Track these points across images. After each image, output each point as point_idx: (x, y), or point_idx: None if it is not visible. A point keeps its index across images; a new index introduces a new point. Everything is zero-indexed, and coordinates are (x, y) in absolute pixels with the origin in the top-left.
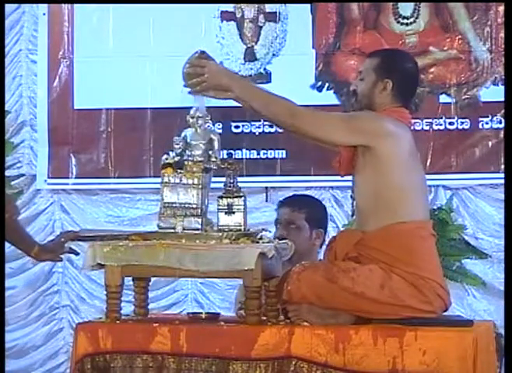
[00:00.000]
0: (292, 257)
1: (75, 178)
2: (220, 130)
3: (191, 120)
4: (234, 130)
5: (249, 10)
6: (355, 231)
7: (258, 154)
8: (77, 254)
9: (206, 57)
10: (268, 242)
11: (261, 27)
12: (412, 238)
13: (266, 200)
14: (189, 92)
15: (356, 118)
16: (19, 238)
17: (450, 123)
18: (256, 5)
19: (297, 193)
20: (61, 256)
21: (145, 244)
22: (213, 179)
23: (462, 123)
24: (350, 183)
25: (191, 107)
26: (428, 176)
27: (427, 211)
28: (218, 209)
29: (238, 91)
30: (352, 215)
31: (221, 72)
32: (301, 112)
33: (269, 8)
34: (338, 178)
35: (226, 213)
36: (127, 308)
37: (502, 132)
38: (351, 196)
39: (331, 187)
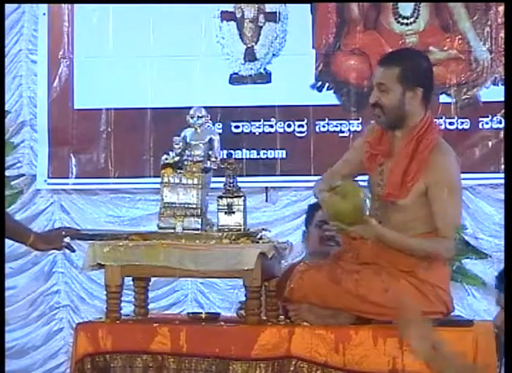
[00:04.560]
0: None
1: (75, 178)
2: (220, 130)
3: (190, 120)
4: (234, 130)
5: (249, 10)
6: None
7: (258, 154)
8: (73, 251)
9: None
10: (268, 242)
11: (261, 27)
12: None
13: (266, 200)
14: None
15: (454, 180)
16: (9, 230)
17: (450, 123)
18: (256, 5)
19: None
20: (59, 249)
21: (145, 244)
22: (213, 179)
23: (462, 123)
24: None
25: (191, 107)
26: None
27: None
28: (218, 209)
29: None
30: None
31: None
32: (444, 240)
33: (269, 8)
34: None
35: (225, 213)
36: (127, 308)
37: (502, 132)
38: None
39: None
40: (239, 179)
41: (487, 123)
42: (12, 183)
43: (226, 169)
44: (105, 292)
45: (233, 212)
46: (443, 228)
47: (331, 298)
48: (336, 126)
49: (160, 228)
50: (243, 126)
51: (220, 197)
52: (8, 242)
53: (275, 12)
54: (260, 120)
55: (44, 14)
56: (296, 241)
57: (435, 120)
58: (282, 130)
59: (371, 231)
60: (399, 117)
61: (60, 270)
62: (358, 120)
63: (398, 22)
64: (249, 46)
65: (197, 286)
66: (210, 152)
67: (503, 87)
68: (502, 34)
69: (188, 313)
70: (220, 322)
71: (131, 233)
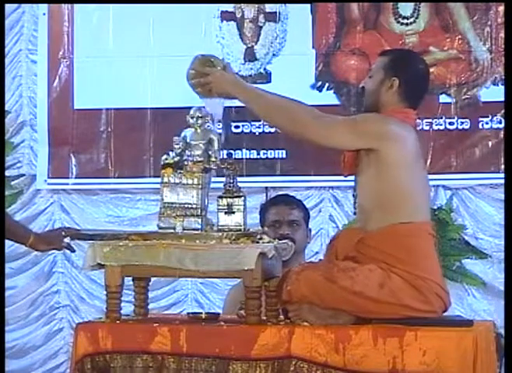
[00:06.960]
0: (291, 256)
1: (75, 178)
2: (220, 130)
3: (190, 120)
4: (234, 130)
5: (249, 10)
6: (356, 230)
7: (258, 154)
8: (73, 251)
9: (210, 62)
10: (268, 242)
11: (261, 27)
12: (412, 238)
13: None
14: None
15: (361, 122)
16: (9, 231)
17: (450, 123)
18: (256, 5)
19: (281, 192)
20: (59, 249)
21: (145, 244)
22: (213, 179)
23: (462, 123)
24: (350, 183)
25: (191, 107)
26: (428, 176)
27: (428, 212)
28: (218, 209)
29: (243, 98)
30: (355, 213)
31: (225, 80)
32: (304, 120)
33: (269, 8)
34: (338, 178)
35: (225, 213)
36: (127, 308)
37: (502, 132)
38: (353, 195)
39: (331, 187)
40: (239, 179)
41: (487, 123)
42: (12, 183)
43: (226, 169)
44: (105, 292)
45: (233, 212)
46: (318, 118)
47: (328, 296)
48: None
49: (160, 228)
50: (243, 126)
51: (220, 197)
52: (8, 242)
53: (275, 12)
54: (260, 120)
55: (44, 14)
56: None
57: (435, 119)
58: None
59: (227, 79)
60: (374, 104)
61: (60, 270)
62: None
63: (398, 22)
64: (249, 46)
65: (197, 286)
66: (210, 152)
67: (503, 87)
68: (502, 34)
69: (188, 313)
70: (220, 322)
71: (131, 233)
